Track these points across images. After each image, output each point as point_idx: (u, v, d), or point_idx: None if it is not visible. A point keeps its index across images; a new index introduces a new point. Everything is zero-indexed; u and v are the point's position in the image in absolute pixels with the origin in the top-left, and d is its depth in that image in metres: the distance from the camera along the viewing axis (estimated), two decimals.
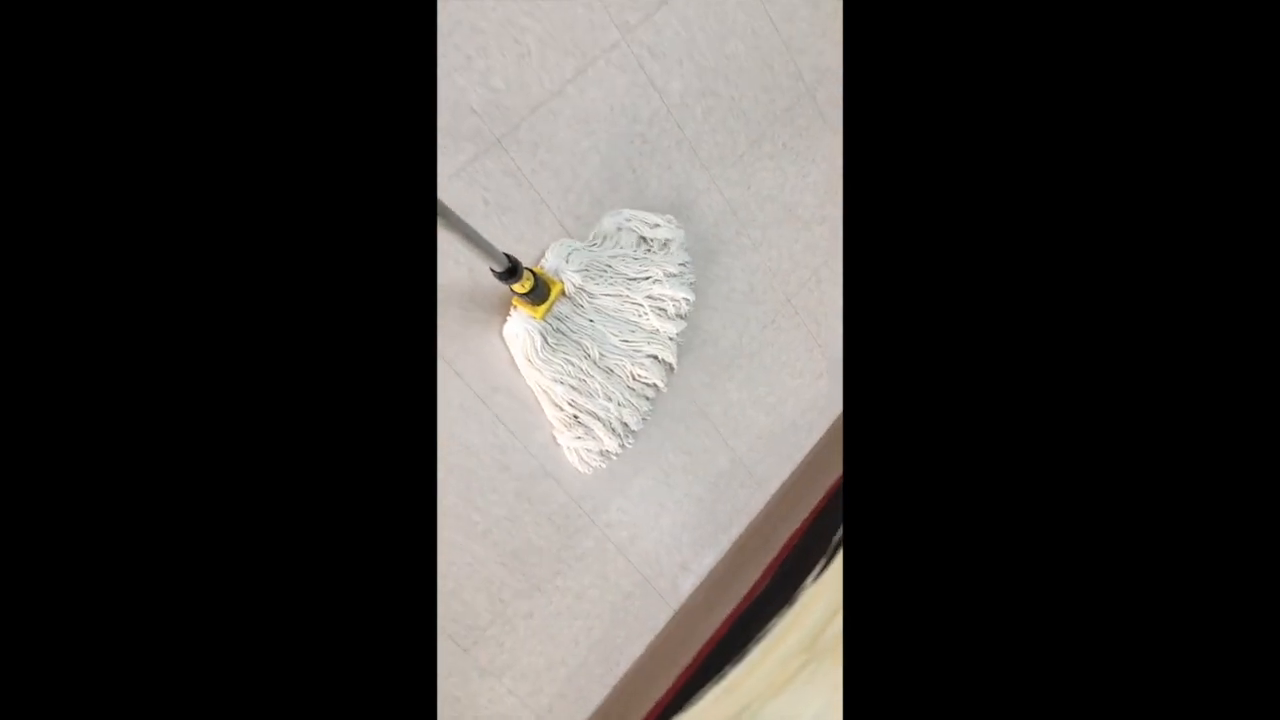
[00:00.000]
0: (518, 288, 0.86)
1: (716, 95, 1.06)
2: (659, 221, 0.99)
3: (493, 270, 0.82)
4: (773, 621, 1.06)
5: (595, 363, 0.97)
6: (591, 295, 0.96)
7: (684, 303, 1.00)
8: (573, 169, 0.98)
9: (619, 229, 0.98)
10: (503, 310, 0.96)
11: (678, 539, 1.15)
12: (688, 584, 1.17)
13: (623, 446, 1.02)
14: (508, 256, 0.82)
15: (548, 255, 0.95)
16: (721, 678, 1.05)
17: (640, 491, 1.11)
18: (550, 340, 0.94)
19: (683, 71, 1.03)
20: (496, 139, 0.93)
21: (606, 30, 0.97)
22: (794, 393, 1.22)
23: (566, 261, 0.94)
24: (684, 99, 1.04)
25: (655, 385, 1.02)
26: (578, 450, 1.00)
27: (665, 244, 1.00)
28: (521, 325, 0.92)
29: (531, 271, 0.87)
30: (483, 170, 0.92)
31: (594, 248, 0.96)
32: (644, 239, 0.99)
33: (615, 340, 0.99)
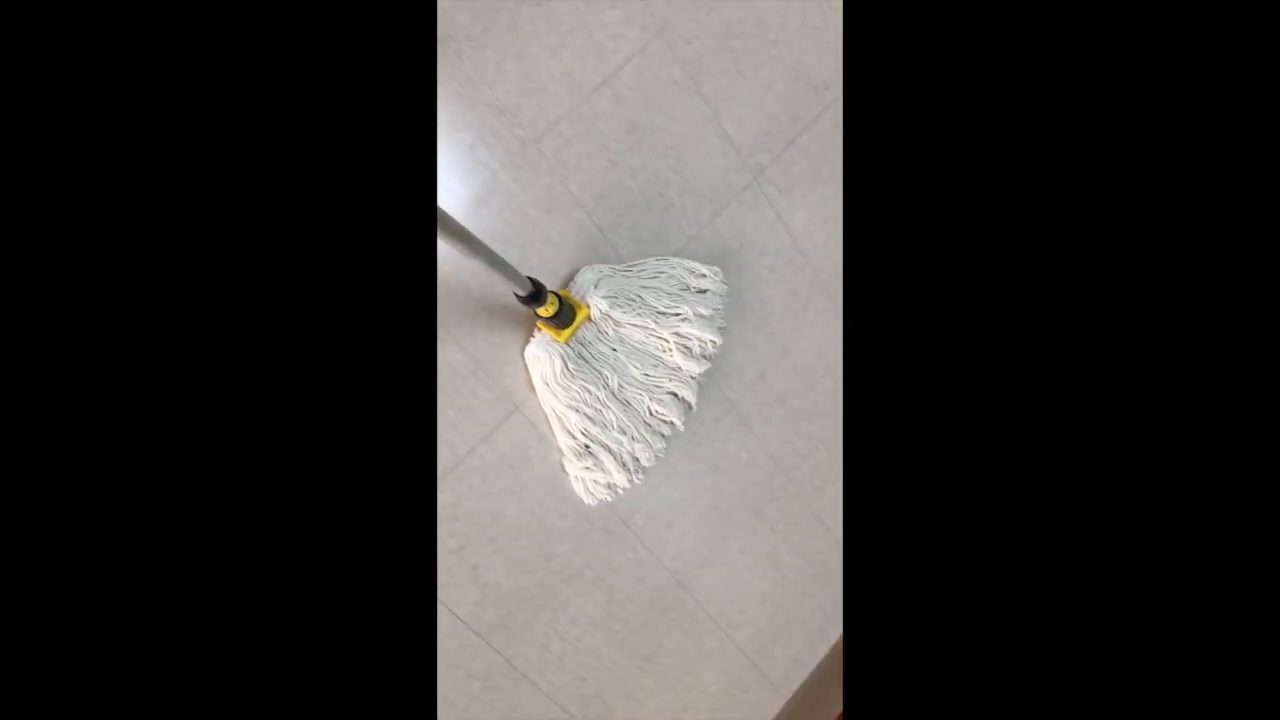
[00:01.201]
0: (542, 311, 0.84)
1: (839, 221, 1.11)
2: (705, 272, 0.99)
3: (516, 295, 0.81)
4: None
5: (614, 393, 0.95)
6: (617, 323, 0.94)
7: (710, 344, 0.98)
8: None
9: (660, 273, 0.97)
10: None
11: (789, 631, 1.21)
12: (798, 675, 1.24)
13: (631, 482, 0.99)
14: (531, 280, 0.81)
15: (577, 278, 0.94)
16: None
17: (760, 593, 1.18)
18: (571, 366, 0.92)
19: (806, 203, 1.08)
20: None
21: (740, 174, 1.02)
22: None
23: (595, 287, 0.92)
24: (808, 228, 1.09)
25: (672, 423, 1.00)
26: (584, 481, 0.98)
27: (704, 292, 0.98)
28: (543, 348, 0.90)
29: (557, 295, 0.86)
30: None
31: (626, 274, 0.94)
32: (687, 286, 0.98)
33: (636, 373, 0.96)
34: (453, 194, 0.88)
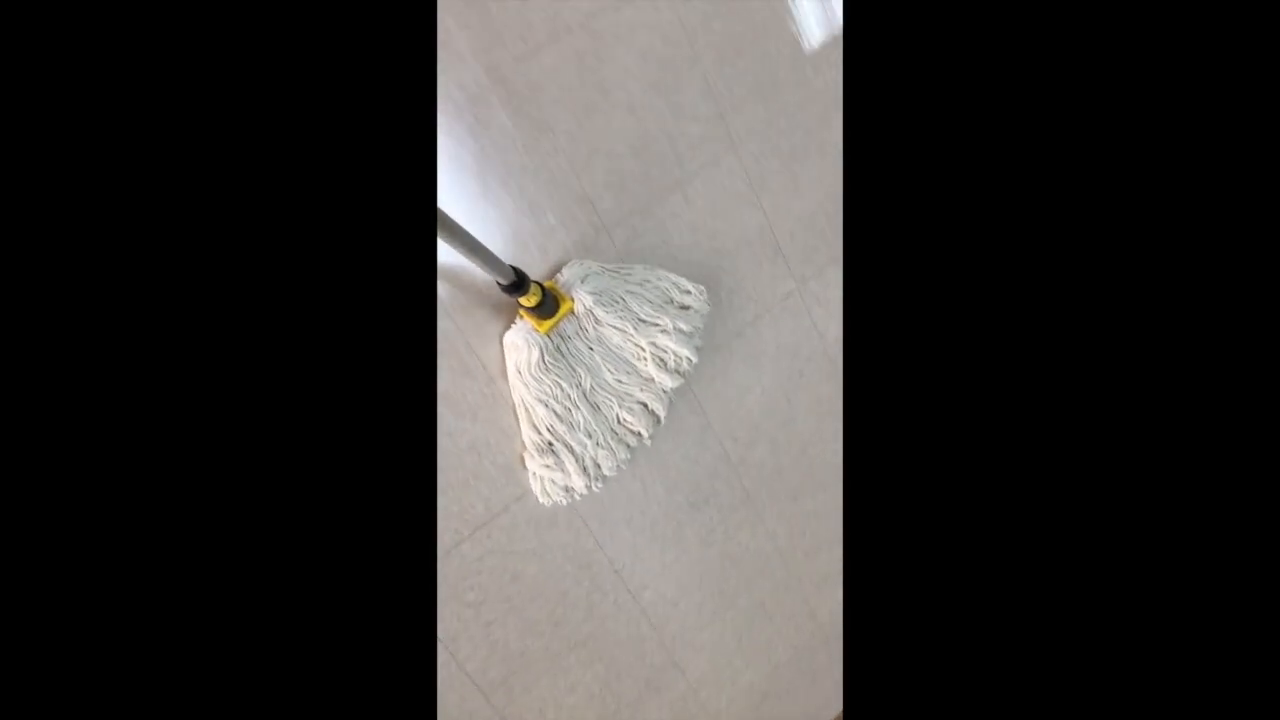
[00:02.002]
0: (524, 301, 0.85)
1: None
2: (690, 289, 0.99)
3: (499, 284, 0.81)
4: None
5: (585, 394, 0.95)
6: (598, 322, 0.94)
7: (686, 361, 0.98)
8: (740, 399, 1.10)
9: (647, 281, 0.97)
10: None
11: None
12: None
13: (589, 489, 0.97)
14: (514, 269, 0.81)
15: (565, 270, 0.93)
16: None
17: (749, 683, 1.20)
18: (548, 358, 0.91)
19: (840, 317, 1.15)
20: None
21: (785, 281, 1.10)
22: None
23: (582, 281, 0.92)
24: (839, 339, 1.16)
25: (640, 434, 0.99)
26: (543, 479, 0.96)
27: (687, 309, 0.99)
28: (523, 336, 0.90)
29: (541, 286, 0.86)
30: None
31: (614, 275, 0.95)
32: (671, 300, 0.99)
33: (609, 377, 0.96)
34: (533, 267, 0.94)
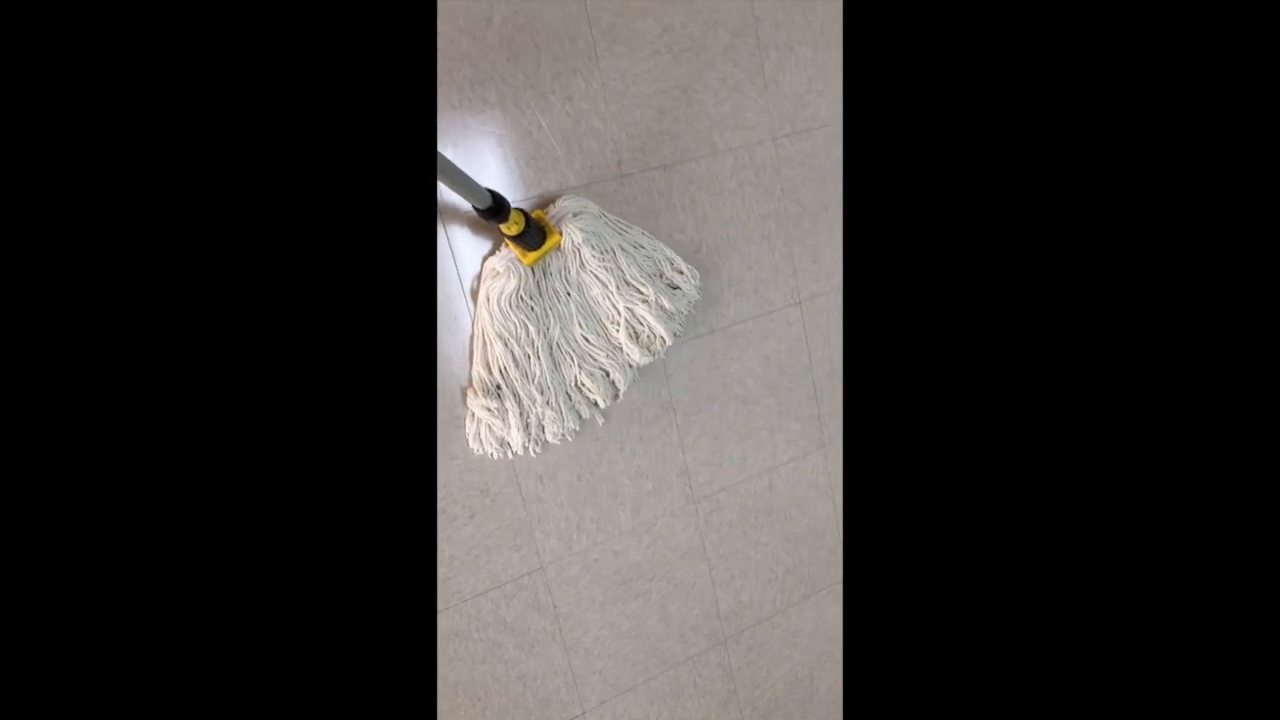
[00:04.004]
0: (505, 228, 0.79)
1: None
2: (684, 270, 0.95)
3: (475, 209, 0.76)
4: None
5: (550, 344, 0.89)
6: (583, 264, 0.88)
7: (660, 341, 0.93)
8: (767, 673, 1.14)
9: (641, 248, 0.93)
10: None
11: None
12: None
13: (526, 449, 0.91)
14: (492, 193, 0.76)
15: (559, 202, 0.88)
16: None
17: None
18: (524, 293, 0.86)
19: None
20: (723, 640, 1.10)
21: (836, 569, 1.16)
22: None
23: (575, 216, 0.87)
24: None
25: (595, 404, 0.94)
26: (481, 423, 0.90)
27: (676, 289, 0.95)
28: (506, 263, 0.85)
29: (525, 214, 0.82)
30: (704, 662, 1.09)
31: (609, 225, 0.89)
32: (661, 274, 0.94)
33: (578, 331, 0.90)
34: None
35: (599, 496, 0.99)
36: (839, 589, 1.21)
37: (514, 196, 0.88)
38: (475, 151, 0.85)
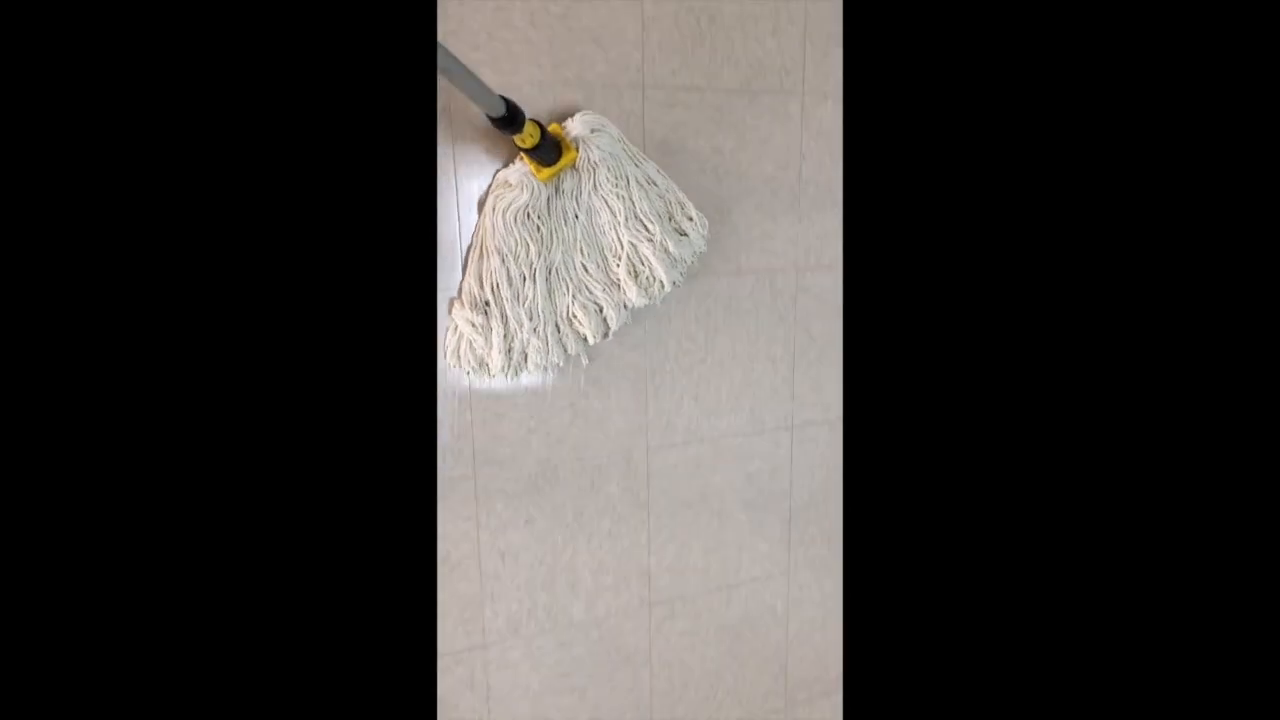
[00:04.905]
0: (519, 140, 0.76)
1: None
2: (694, 216, 0.91)
3: (489, 117, 0.72)
4: None
5: (548, 269, 0.84)
6: (595, 187, 0.85)
7: (660, 286, 0.89)
8: None
9: (654, 185, 0.89)
10: None
11: None
12: None
13: (503, 374, 0.84)
14: (505, 101, 0.71)
15: (576, 117, 0.84)
16: None
17: None
18: (531, 211, 0.82)
19: None
20: None
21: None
22: None
23: (593, 133, 0.84)
24: None
25: (584, 339, 0.88)
26: (462, 336, 0.82)
27: (684, 235, 0.92)
28: (519, 176, 0.81)
29: (542, 128, 0.77)
30: None
31: (626, 150, 0.87)
32: (671, 217, 0.91)
33: (579, 259, 0.86)
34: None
35: (556, 585, 0.97)
36: (777, 718, 1.18)
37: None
38: None
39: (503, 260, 0.82)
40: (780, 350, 1.04)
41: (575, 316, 0.87)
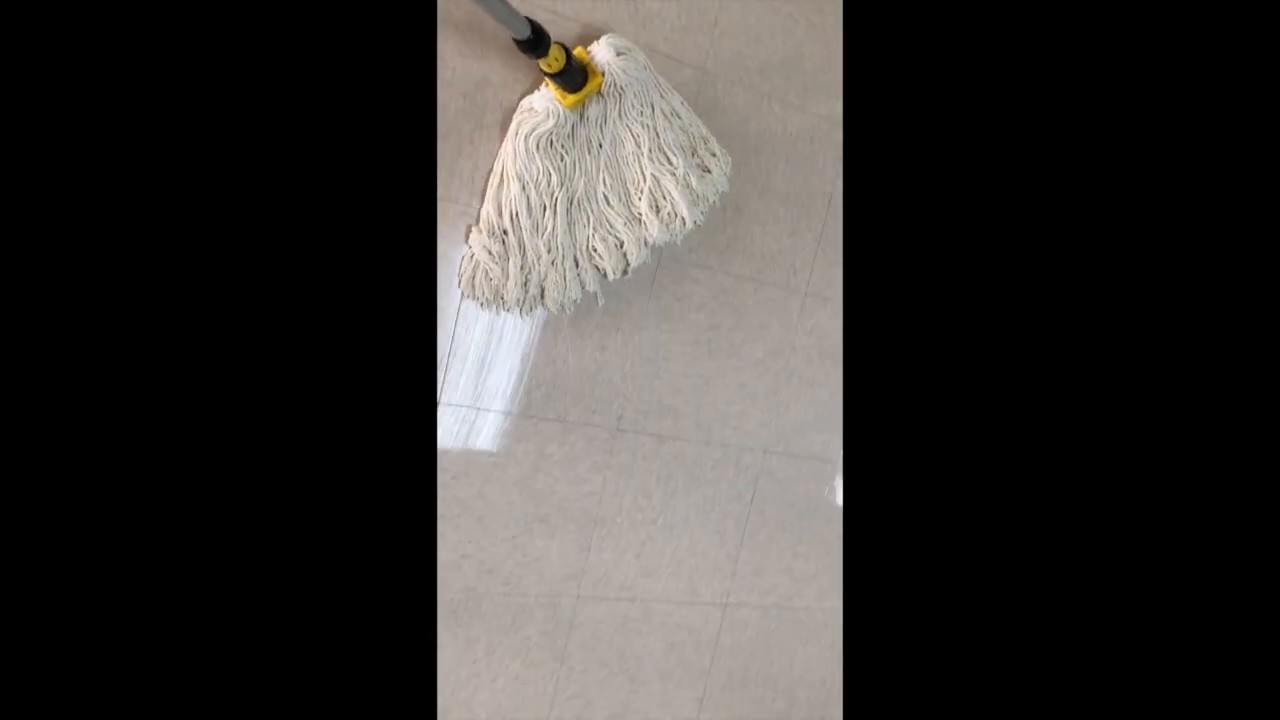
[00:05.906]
0: (545, 65, 0.74)
1: None
2: (718, 153, 0.89)
3: (515, 40, 0.70)
4: None
5: (570, 199, 0.83)
6: (622, 113, 0.83)
7: (681, 223, 0.88)
8: None
9: (678, 118, 0.86)
10: None
11: None
12: None
13: (517, 310, 0.83)
14: (531, 23, 0.69)
15: (602, 41, 0.81)
16: None
17: None
18: (555, 138, 0.80)
19: None
20: None
21: None
22: None
23: (618, 56, 0.81)
24: None
25: (603, 274, 0.87)
26: (479, 263, 0.81)
27: (707, 171, 0.89)
28: (545, 102, 0.79)
29: (568, 51, 0.75)
30: None
31: (654, 80, 0.84)
32: (695, 152, 0.88)
33: (601, 190, 0.85)
34: None
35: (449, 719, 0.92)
36: None
37: None
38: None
39: (523, 188, 0.81)
40: (731, 526, 1.05)
41: (595, 250, 0.87)
